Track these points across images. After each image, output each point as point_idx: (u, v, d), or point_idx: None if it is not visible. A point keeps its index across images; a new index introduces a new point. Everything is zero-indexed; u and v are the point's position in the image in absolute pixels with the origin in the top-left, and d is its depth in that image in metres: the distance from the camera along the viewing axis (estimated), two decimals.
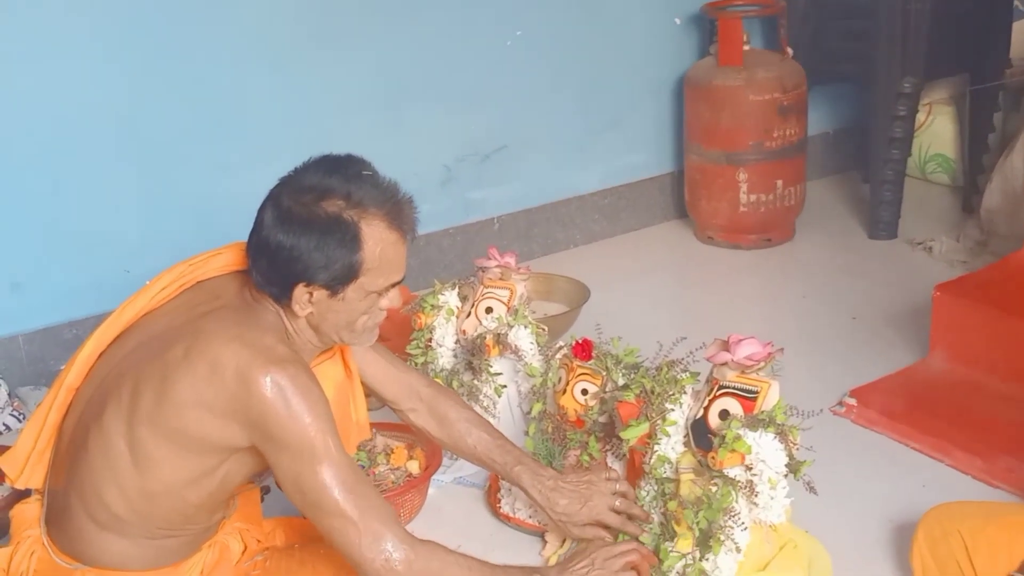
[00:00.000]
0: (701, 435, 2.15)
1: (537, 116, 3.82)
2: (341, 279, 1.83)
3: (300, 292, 1.84)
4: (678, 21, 3.97)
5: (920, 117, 4.07)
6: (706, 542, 2.05)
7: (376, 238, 1.83)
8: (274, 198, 1.85)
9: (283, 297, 1.86)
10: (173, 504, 1.85)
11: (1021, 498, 2.42)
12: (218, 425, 1.79)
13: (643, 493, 2.20)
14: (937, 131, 4.20)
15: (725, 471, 2.06)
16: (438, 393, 2.29)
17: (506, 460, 2.23)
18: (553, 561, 2.28)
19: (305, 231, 1.80)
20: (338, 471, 1.78)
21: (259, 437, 1.79)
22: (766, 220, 3.84)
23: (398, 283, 1.92)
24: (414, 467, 2.49)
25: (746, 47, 3.76)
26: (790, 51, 3.83)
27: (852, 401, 2.82)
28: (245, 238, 1.91)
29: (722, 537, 2.03)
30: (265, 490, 2.53)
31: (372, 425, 2.62)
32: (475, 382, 2.63)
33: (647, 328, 3.02)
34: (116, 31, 3.07)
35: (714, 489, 2.07)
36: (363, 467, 2.48)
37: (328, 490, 1.77)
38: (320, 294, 1.84)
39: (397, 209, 1.87)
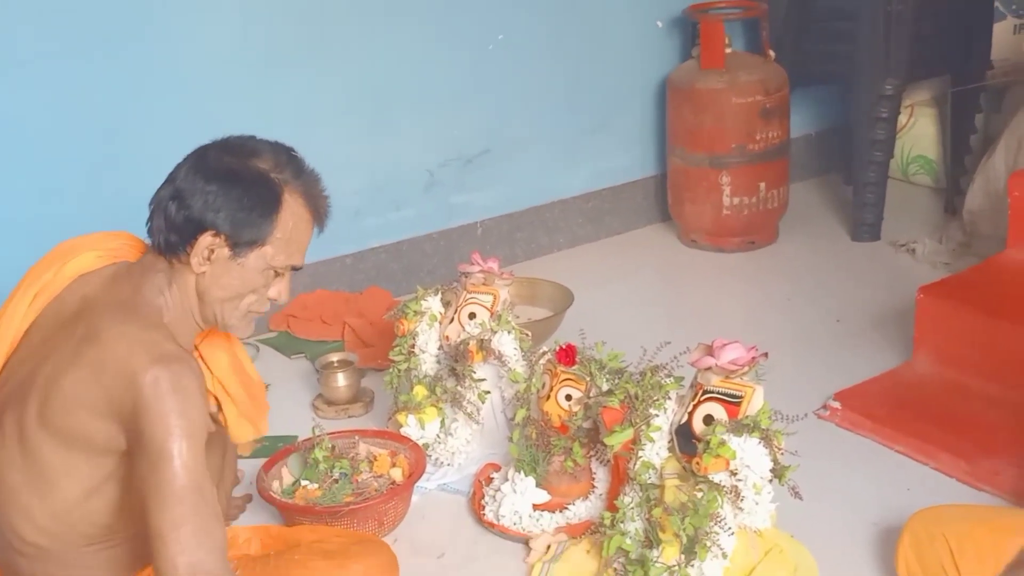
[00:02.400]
0: (686, 440, 2.14)
1: (520, 120, 3.81)
2: (249, 239, 1.83)
3: (205, 240, 1.81)
4: (660, 24, 3.96)
5: (902, 119, 4.08)
6: (692, 548, 2.04)
7: (293, 210, 1.86)
8: (198, 153, 1.87)
9: (182, 247, 1.82)
10: (85, 517, 1.81)
11: (1006, 501, 2.42)
12: (102, 426, 1.74)
13: (627, 500, 2.19)
14: (919, 133, 4.21)
15: (710, 477, 2.06)
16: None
17: None
18: (537, 569, 2.26)
19: (229, 180, 1.82)
20: (184, 484, 1.67)
21: (131, 435, 1.72)
22: (749, 223, 3.84)
23: (295, 269, 1.92)
24: (397, 474, 2.48)
25: (728, 50, 3.75)
26: (772, 54, 3.83)
27: (836, 404, 2.82)
28: None
29: (708, 543, 2.02)
30: (247, 498, 2.52)
31: (354, 432, 2.62)
32: (459, 388, 2.62)
33: (631, 332, 3.02)
34: (99, 39, 3.05)
35: (699, 495, 2.06)
36: (345, 474, 2.46)
37: (166, 500, 1.66)
38: (222, 252, 1.82)
39: (317, 193, 1.91)
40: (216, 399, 2.03)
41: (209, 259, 1.83)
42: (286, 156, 1.89)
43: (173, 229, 1.82)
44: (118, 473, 1.80)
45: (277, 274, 1.90)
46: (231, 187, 1.81)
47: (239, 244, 1.83)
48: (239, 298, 1.88)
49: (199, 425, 1.72)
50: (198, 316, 1.90)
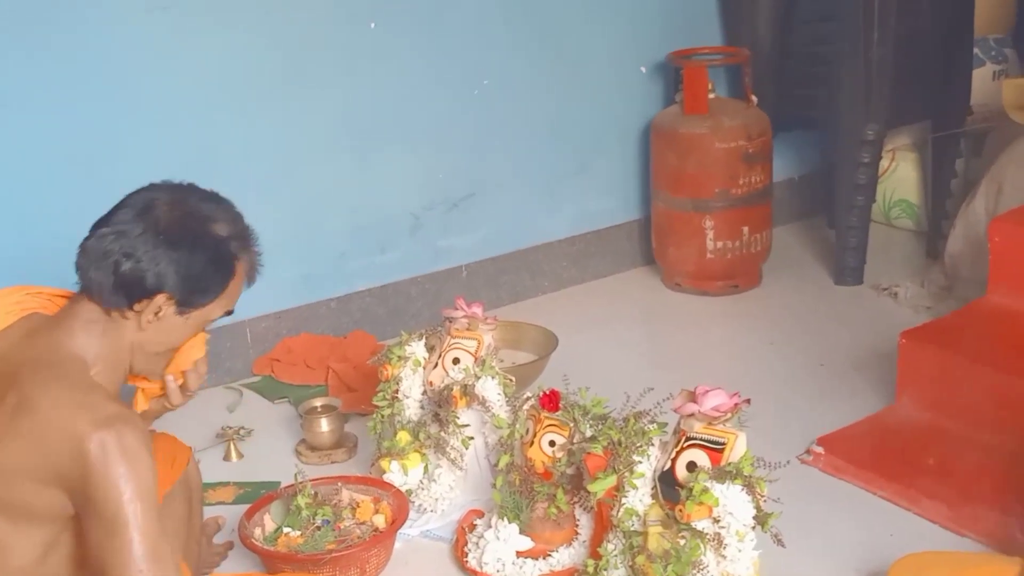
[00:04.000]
0: (669, 487, 2.14)
1: (505, 163, 3.83)
2: (199, 302, 1.87)
3: (159, 301, 1.83)
4: (644, 70, 4.00)
5: (884, 163, 4.11)
6: None
7: (240, 277, 1.92)
8: (145, 203, 1.86)
9: (127, 305, 1.83)
10: (48, 573, 1.78)
11: (988, 547, 2.42)
12: (47, 495, 1.72)
13: (610, 547, 2.19)
14: (901, 177, 4.24)
15: (693, 524, 2.06)
16: None
17: None
18: None
19: (191, 248, 1.84)
20: (142, 552, 1.66)
21: (79, 500, 1.71)
22: (733, 267, 3.86)
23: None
24: (380, 521, 2.47)
25: (711, 95, 3.79)
26: (755, 99, 3.86)
27: (819, 449, 2.82)
28: None
29: None
30: (228, 545, 2.51)
31: (338, 479, 2.61)
32: (442, 434, 2.61)
33: (615, 376, 3.02)
34: (81, 73, 3.06)
35: (682, 542, 2.06)
36: (328, 521, 2.45)
37: (126, 567, 1.66)
38: (169, 309, 1.85)
39: (255, 254, 1.96)
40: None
41: (156, 316, 1.85)
42: (241, 224, 1.92)
43: (123, 286, 1.82)
44: (70, 527, 1.78)
45: (203, 328, 1.96)
46: (193, 256, 1.84)
47: (187, 304, 1.87)
48: (171, 350, 1.94)
49: (150, 484, 1.71)
50: (126, 367, 1.90)
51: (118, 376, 1.89)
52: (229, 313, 1.96)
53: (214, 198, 1.93)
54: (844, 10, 3.70)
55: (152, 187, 1.91)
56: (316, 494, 2.50)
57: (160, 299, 1.83)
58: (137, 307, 1.83)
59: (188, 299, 1.86)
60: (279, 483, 2.71)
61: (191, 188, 1.93)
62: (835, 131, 3.87)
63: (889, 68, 3.66)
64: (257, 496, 2.61)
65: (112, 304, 1.83)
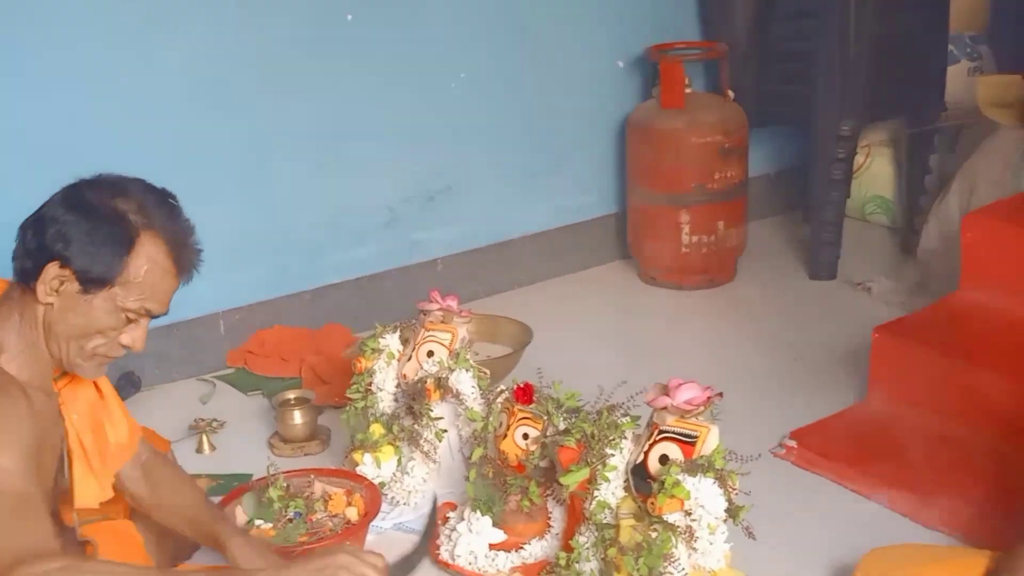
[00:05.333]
0: (641, 480, 2.14)
1: (481, 157, 3.82)
2: (97, 276, 1.80)
3: (52, 270, 1.79)
4: (620, 64, 4.00)
5: (859, 159, 4.13)
6: None
7: (149, 255, 1.83)
8: (71, 185, 1.86)
9: (33, 276, 1.80)
10: None
11: (959, 540, 2.43)
12: None
13: (583, 539, 2.19)
14: (876, 173, 4.26)
15: (665, 517, 2.06)
16: (156, 460, 2.21)
17: (222, 529, 2.13)
18: None
19: (85, 214, 1.80)
20: None
21: None
22: (708, 261, 3.86)
23: (152, 315, 1.87)
24: (353, 513, 2.46)
25: (688, 90, 3.79)
26: (731, 94, 3.87)
27: (792, 443, 2.83)
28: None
29: None
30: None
31: (310, 471, 2.60)
32: (415, 427, 2.61)
33: (590, 369, 3.02)
34: (58, 68, 3.03)
35: (654, 535, 2.06)
36: (300, 514, 2.44)
37: None
38: (71, 286, 1.80)
39: (182, 244, 1.88)
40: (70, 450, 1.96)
41: (57, 291, 1.81)
42: (156, 200, 1.87)
43: (27, 255, 1.81)
44: None
45: (130, 320, 1.86)
46: (84, 220, 1.80)
47: (87, 281, 1.80)
48: (85, 337, 1.85)
49: (14, 447, 1.70)
50: (44, 350, 1.86)
51: (35, 357, 1.86)
52: (153, 315, 1.87)
53: (142, 183, 1.88)
54: (821, 7, 3.71)
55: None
56: (288, 486, 2.49)
57: (53, 268, 1.79)
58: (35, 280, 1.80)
59: (85, 271, 1.79)
60: (251, 475, 2.71)
61: (131, 177, 1.90)
62: (811, 127, 3.88)
63: (865, 64, 3.68)
64: (229, 488, 2.59)
65: (23, 278, 1.82)
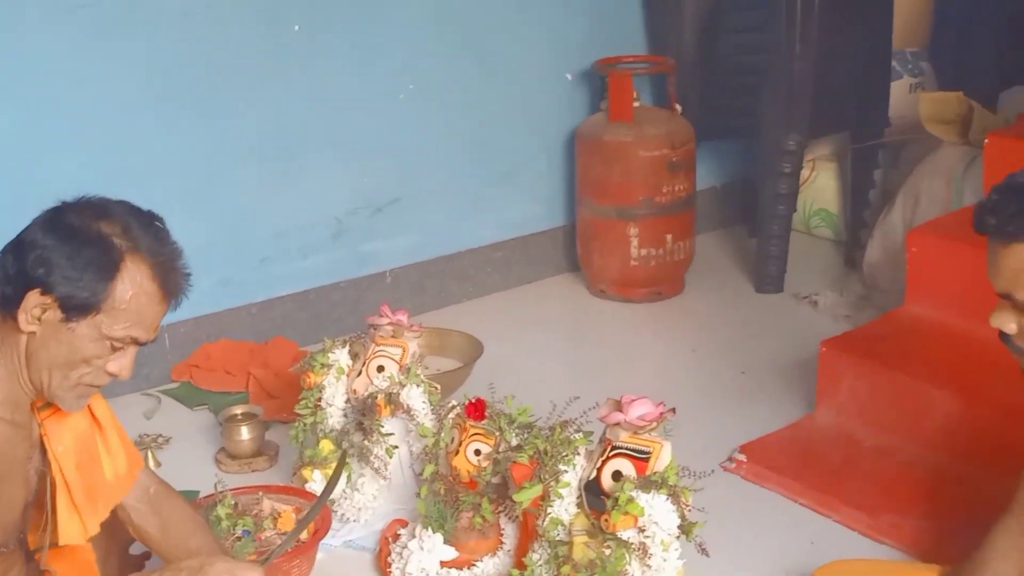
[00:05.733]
0: (594, 497, 2.14)
1: (430, 169, 3.81)
2: (80, 303, 1.72)
3: (33, 298, 1.71)
4: (569, 77, 4.01)
5: (804, 173, 4.17)
6: None
7: (134, 280, 1.75)
8: (53, 208, 1.78)
9: (14, 303, 1.73)
10: None
11: (907, 554, 2.46)
12: None
13: (536, 557, 2.18)
14: (821, 187, 4.31)
15: (618, 533, 2.05)
16: (165, 493, 2.13)
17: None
18: None
19: (68, 238, 1.73)
20: None
21: None
22: (657, 274, 3.88)
23: (139, 343, 1.80)
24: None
25: (636, 103, 3.81)
26: (679, 108, 3.90)
27: (742, 457, 2.85)
28: None
29: None
30: (146, 556, 2.45)
31: (258, 488, 2.57)
32: (366, 443, 2.58)
33: (541, 383, 3.02)
34: (3, 78, 2.98)
35: (607, 552, 2.06)
36: (248, 532, 2.41)
37: None
38: (53, 314, 1.72)
39: (169, 268, 1.80)
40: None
41: (39, 319, 1.73)
42: (141, 223, 1.79)
43: (7, 282, 1.74)
44: None
45: (115, 347, 1.78)
46: (66, 244, 1.72)
47: (70, 308, 1.72)
48: (69, 367, 1.77)
49: None
50: (25, 380, 1.79)
51: (14, 387, 1.79)
52: (140, 342, 1.79)
53: (126, 206, 1.81)
54: (767, 23, 3.75)
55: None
56: (236, 504, 2.46)
57: (35, 295, 1.71)
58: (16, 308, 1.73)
59: (66, 298, 1.71)
60: (198, 492, 2.66)
61: (115, 200, 1.82)
62: (757, 141, 3.92)
63: (810, 80, 3.72)
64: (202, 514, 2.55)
65: (4, 306, 1.74)
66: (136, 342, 1.80)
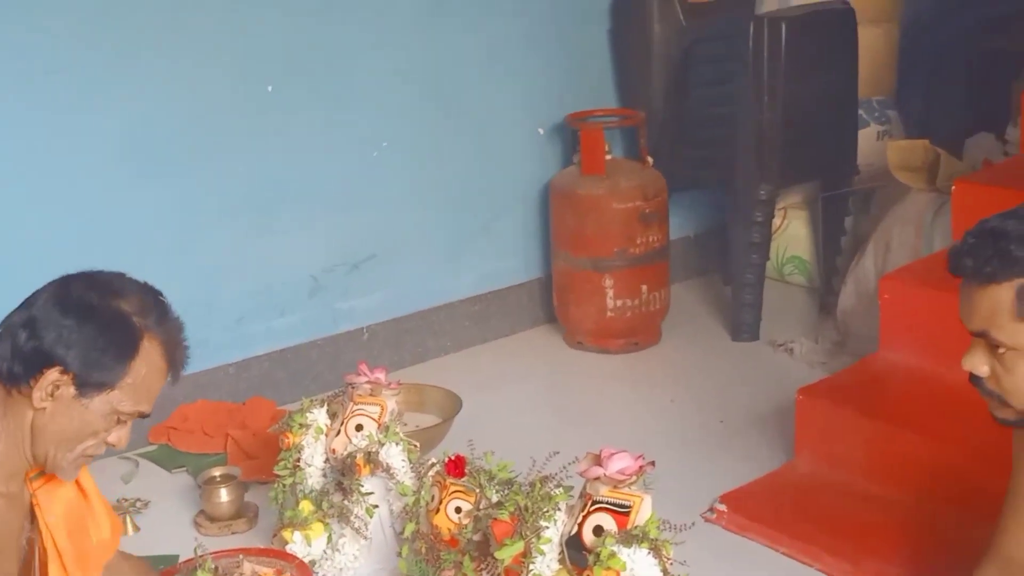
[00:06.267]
0: (576, 552, 2.13)
1: (406, 224, 3.83)
2: (98, 381, 1.76)
3: (51, 376, 1.74)
4: (541, 131, 4.05)
5: (776, 221, 4.20)
6: None
7: (149, 358, 1.80)
8: (60, 283, 1.81)
9: (25, 379, 1.75)
10: None
11: None
12: None
13: None
14: (793, 234, 4.35)
15: None
16: (120, 556, 2.17)
17: None
18: None
19: (87, 317, 1.76)
20: None
21: None
22: (633, 324, 3.90)
23: (141, 416, 1.85)
24: None
25: (608, 156, 3.84)
26: (650, 160, 3.93)
27: (722, 507, 2.85)
28: None
29: None
30: None
31: (239, 551, 2.55)
32: (346, 503, 2.57)
33: (520, 437, 3.01)
34: None
35: None
36: None
37: None
38: (67, 390, 1.75)
39: (176, 344, 1.86)
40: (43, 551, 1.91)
41: (52, 395, 1.75)
42: (153, 300, 1.84)
43: (19, 358, 1.75)
44: None
45: (121, 421, 1.83)
46: (87, 324, 1.75)
47: (86, 385, 1.76)
48: (77, 441, 1.80)
49: None
50: (28, 452, 1.81)
51: (16, 458, 1.80)
52: (144, 415, 1.85)
53: (135, 281, 1.86)
54: (735, 75, 3.80)
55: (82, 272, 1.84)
56: (217, 568, 2.43)
57: (53, 373, 1.74)
58: (33, 383, 1.74)
59: (86, 376, 1.75)
60: (178, 556, 2.64)
61: (117, 273, 1.86)
62: (729, 191, 3.95)
63: (779, 130, 3.76)
64: (156, 571, 2.53)
65: (11, 380, 1.76)
66: (142, 415, 1.84)
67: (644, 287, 3.87)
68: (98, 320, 1.76)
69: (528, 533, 2.17)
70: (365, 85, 3.64)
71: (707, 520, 2.83)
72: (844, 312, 3.76)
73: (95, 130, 3.17)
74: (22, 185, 3.08)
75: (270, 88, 3.46)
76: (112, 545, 2.04)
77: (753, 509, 2.82)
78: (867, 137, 4.24)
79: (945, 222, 3.42)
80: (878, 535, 2.65)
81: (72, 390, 1.76)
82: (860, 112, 4.20)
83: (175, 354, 1.86)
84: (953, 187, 3.27)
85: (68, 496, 1.94)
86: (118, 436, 1.84)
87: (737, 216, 3.92)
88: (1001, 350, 1.76)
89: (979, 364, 1.81)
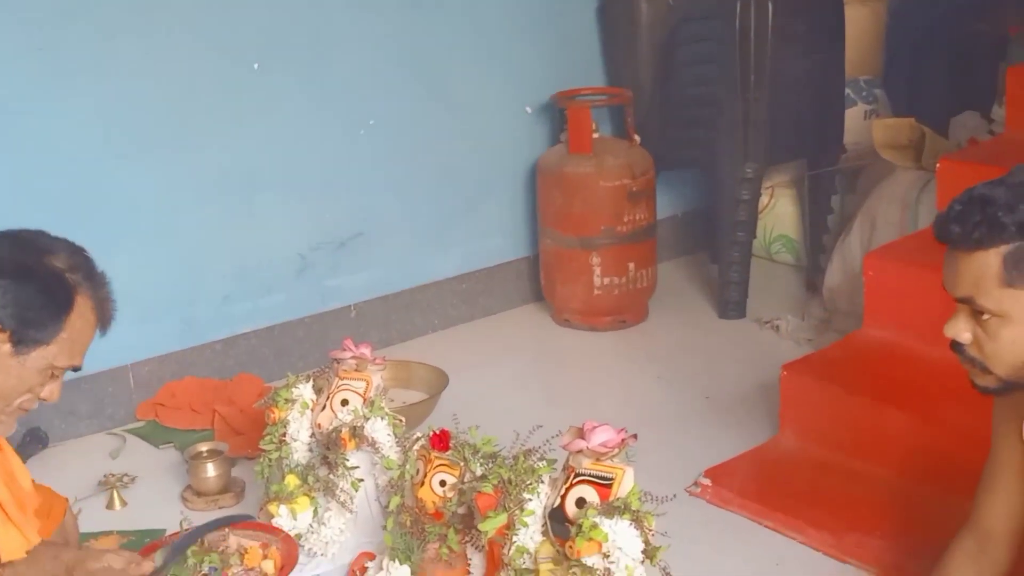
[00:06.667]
0: (559, 524, 2.15)
1: (393, 203, 3.83)
2: (34, 339, 1.82)
3: None
4: (529, 110, 4.05)
5: (763, 200, 4.22)
6: None
7: (82, 313, 1.87)
8: None
9: None
10: None
11: (870, 574, 2.49)
12: None
13: None
14: (780, 213, 4.36)
15: (583, 560, 2.06)
16: None
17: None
18: None
19: (21, 277, 1.81)
20: None
21: None
22: (620, 302, 3.91)
23: (73, 369, 1.91)
24: (269, 567, 2.42)
25: (595, 135, 3.85)
26: (637, 138, 3.94)
27: (707, 481, 2.87)
28: None
29: None
30: None
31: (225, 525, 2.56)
32: (331, 477, 2.58)
33: (506, 413, 3.02)
34: None
35: None
36: (215, 569, 2.40)
37: None
38: (3, 348, 1.81)
39: (105, 296, 1.92)
40: None
41: None
42: (81, 257, 1.90)
43: None
44: None
45: (53, 375, 1.89)
46: (23, 284, 1.81)
47: (22, 342, 1.81)
48: (14, 396, 1.86)
49: None
50: None
51: None
52: (76, 368, 1.90)
53: (59, 238, 1.91)
54: (722, 54, 3.81)
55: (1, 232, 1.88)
56: (203, 541, 2.45)
57: None
58: None
59: (22, 334, 1.80)
60: (164, 531, 2.66)
61: (39, 231, 1.91)
62: (716, 169, 3.97)
63: (766, 109, 3.77)
64: (142, 544, 2.54)
65: None
66: (74, 369, 1.91)
67: (631, 265, 3.88)
68: (34, 279, 1.82)
69: (512, 505, 2.19)
70: (352, 63, 3.64)
71: (692, 494, 2.85)
72: (830, 289, 3.78)
73: (77, 109, 3.17)
74: (5, 164, 3.07)
75: (256, 66, 3.46)
76: (34, 498, 2.08)
77: (737, 483, 2.84)
78: (854, 116, 4.25)
79: (931, 200, 3.43)
80: (860, 509, 2.67)
81: (8, 348, 1.81)
82: (847, 91, 4.21)
83: (104, 307, 1.92)
84: (938, 165, 3.29)
85: None
86: (50, 390, 1.90)
87: (723, 194, 3.93)
88: (985, 316, 1.76)
89: (962, 331, 1.82)
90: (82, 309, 1.86)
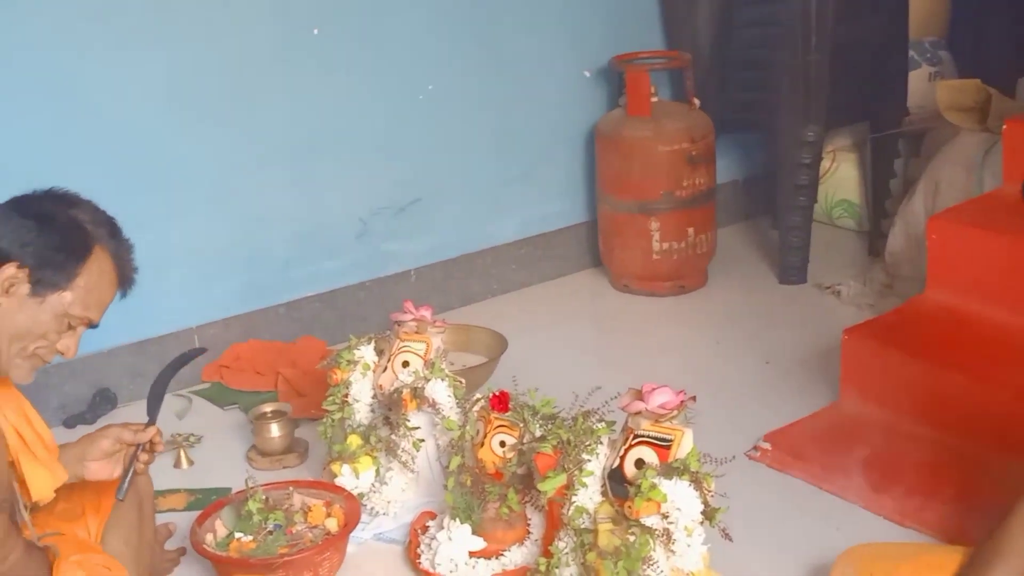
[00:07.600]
0: (618, 485, 2.17)
1: (452, 168, 3.85)
2: (51, 280, 1.88)
3: (7, 271, 1.86)
4: (587, 74, 4.04)
5: (825, 164, 4.18)
6: None
7: (100, 266, 1.93)
8: (17, 197, 1.94)
9: None
10: None
11: (932, 538, 2.47)
12: None
13: (561, 545, 2.21)
14: (842, 177, 4.31)
15: (642, 520, 2.08)
16: None
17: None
18: None
19: (44, 221, 1.90)
20: None
21: None
22: (679, 267, 3.90)
23: (91, 324, 1.96)
24: (332, 524, 2.47)
25: (654, 99, 3.83)
26: (697, 102, 3.91)
27: (766, 445, 2.87)
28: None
29: None
30: (181, 551, 2.49)
31: (289, 483, 2.61)
32: (393, 437, 2.62)
33: (564, 377, 3.03)
34: (26, 83, 3.03)
35: (632, 539, 2.08)
36: (280, 526, 2.45)
37: None
38: (22, 287, 1.87)
39: (127, 259, 1.99)
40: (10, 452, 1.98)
41: (7, 292, 1.87)
42: (105, 216, 1.98)
43: None
44: None
45: (71, 327, 1.94)
46: (45, 226, 1.89)
47: (40, 283, 1.88)
48: (28, 338, 1.91)
49: None
50: None
51: None
52: (93, 325, 1.95)
53: (91, 202, 1.98)
54: (781, 15, 3.76)
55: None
56: (267, 499, 2.50)
57: (10, 268, 1.86)
58: None
59: (40, 273, 1.87)
60: (230, 489, 2.72)
61: (74, 193, 1.99)
62: (776, 133, 3.93)
63: (827, 71, 3.72)
64: (208, 502, 2.60)
65: None
66: (90, 323, 1.96)
67: (691, 230, 3.87)
68: (55, 223, 1.90)
69: (571, 466, 2.21)
70: (410, 29, 3.65)
71: (751, 458, 2.85)
72: (893, 254, 3.74)
73: (138, 77, 3.21)
74: (71, 134, 3.12)
75: (316, 31, 3.48)
76: (53, 443, 2.11)
77: (797, 447, 2.84)
78: (918, 78, 4.19)
79: (996, 162, 3.38)
80: (921, 473, 2.65)
81: (27, 287, 1.88)
82: (912, 53, 4.15)
83: (125, 269, 1.98)
84: (1004, 127, 3.24)
85: (9, 393, 2.02)
86: (66, 344, 1.95)
87: (784, 158, 3.90)
88: None
89: None
90: (101, 262, 1.93)
